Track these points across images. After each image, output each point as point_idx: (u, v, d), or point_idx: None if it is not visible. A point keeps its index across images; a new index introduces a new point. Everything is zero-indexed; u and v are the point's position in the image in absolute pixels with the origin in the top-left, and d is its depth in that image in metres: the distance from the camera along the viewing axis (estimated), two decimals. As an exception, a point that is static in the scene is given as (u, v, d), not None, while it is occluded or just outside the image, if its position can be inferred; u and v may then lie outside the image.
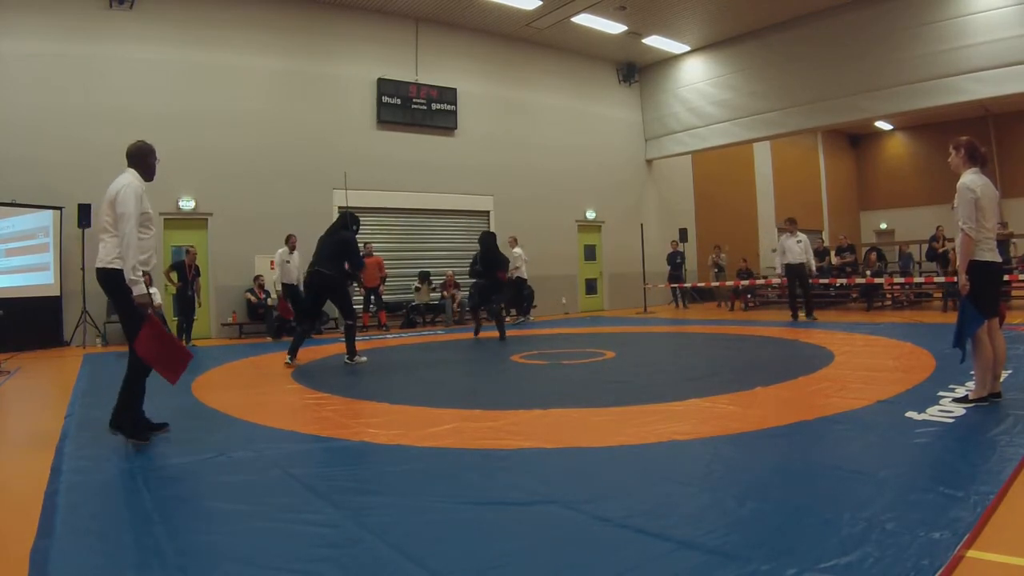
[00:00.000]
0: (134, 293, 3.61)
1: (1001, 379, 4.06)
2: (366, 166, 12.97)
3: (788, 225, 10.89)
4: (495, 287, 9.46)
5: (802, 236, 10.72)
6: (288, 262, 10.22)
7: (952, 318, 4.28)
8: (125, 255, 3.58)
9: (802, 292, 10.86)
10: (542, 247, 14.62)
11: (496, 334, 9.43)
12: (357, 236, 7.55)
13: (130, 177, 3.81)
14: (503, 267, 9.51)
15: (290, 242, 10.32)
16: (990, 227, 3.89)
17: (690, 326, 11.08)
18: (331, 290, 7.28)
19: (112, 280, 3.68)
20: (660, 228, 17.24)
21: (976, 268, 3.84)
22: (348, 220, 7.45)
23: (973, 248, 3.84)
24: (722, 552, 2.06)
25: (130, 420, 3.69)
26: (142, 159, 3.94)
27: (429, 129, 13.81)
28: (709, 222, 18.85)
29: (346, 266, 7.31)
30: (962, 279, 3.86)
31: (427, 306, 13.15)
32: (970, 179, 3.88)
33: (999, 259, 3.99)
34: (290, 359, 7.19)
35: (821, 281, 12.67)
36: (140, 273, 3.63)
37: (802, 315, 10.89)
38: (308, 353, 8.03)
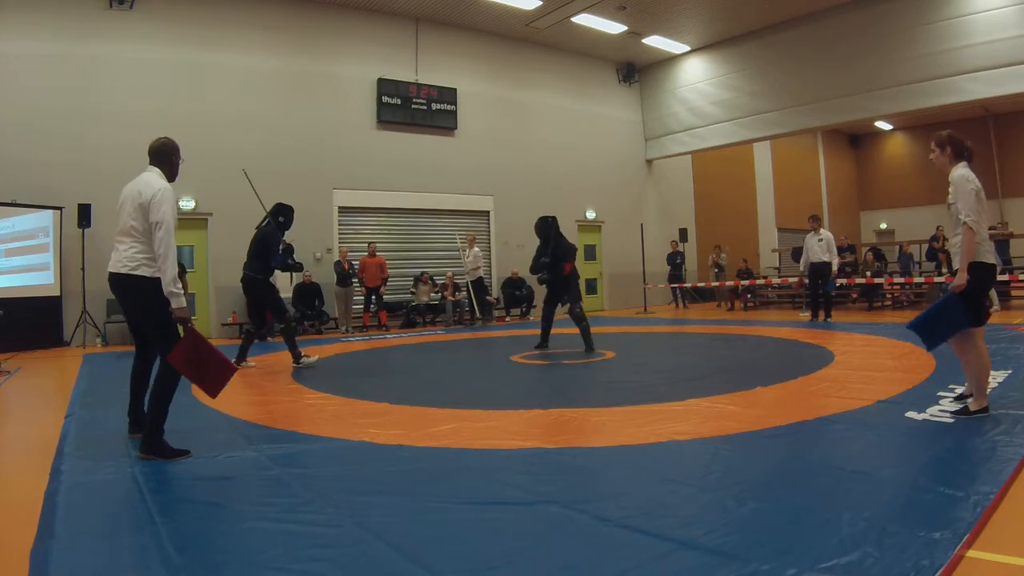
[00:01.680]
0: (173, 305, 3.44)
1: (987, 391, 3.79)
2: (366, 166, 12.99)
3: (811, 223, 10.59)
4: (563, 284, 7.66)
5: (824, 234, 10.45)
6: None
7: None
8: (164, 267, 3.42)
9: (820, 292, 10.62)
10: (542, 247, 14.60)
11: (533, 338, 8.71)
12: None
13: (161, 180, 3.60)
14: (570, 257, 7.65)
15: None
16: (985, 225, 3.73)
17: (690, 326, 11.08)
18: (254, 292, 6.78)
19: (136, 286, 3.49)
20: (660, 228, 17.23)
21: (976, 269, 3.60)
22: (275, 212, 6.84)
23: (975, 245, 3.59)
24: (722, 552, 2.06)
25: (161, 440, 3.43)
26: (166, 157, 3.75)
27: (429, 129, 13.81)
28: (709, 222, 18.84)
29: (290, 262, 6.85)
30: (962, 277, 3.56)
31: (427, 306, 13.15)
32: (965, 171, 3.69)
33: (998, 261, 3.81)
34: (236, 360, 6.66)
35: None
36: (180, 285, 3.47)
37: (806, 315, 10.83)
38: (308, 354, 8.00)
